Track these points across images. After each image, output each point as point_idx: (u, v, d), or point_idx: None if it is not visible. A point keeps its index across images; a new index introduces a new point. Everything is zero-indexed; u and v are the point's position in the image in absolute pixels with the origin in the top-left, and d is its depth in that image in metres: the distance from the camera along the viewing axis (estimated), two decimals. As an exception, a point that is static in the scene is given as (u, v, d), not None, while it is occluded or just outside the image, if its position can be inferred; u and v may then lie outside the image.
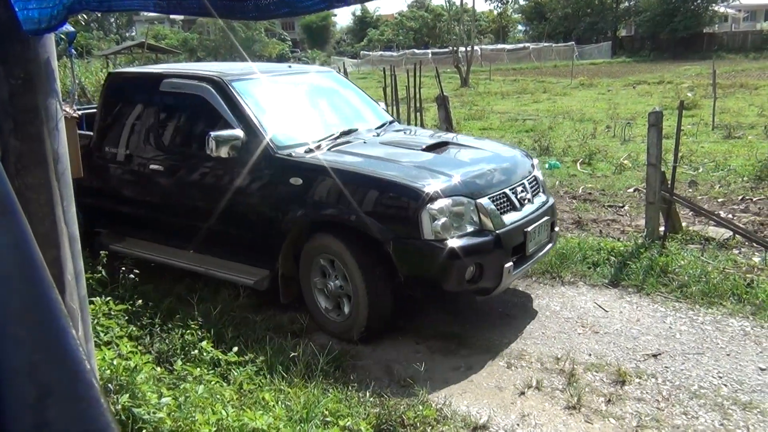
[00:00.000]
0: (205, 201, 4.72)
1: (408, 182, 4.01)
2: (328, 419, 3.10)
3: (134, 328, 3.92)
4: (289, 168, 4.32)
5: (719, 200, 7.42)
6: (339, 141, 4.71)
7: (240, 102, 4.61)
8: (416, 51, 49.38)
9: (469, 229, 4.00)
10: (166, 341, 3.88)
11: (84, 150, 5.04)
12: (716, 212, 6.45)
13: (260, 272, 4.55)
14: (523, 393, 3.61)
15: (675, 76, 25.88)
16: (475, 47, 37.77)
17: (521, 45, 52.00)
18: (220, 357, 3.68)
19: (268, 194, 4.41)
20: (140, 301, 4.37)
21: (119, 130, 5.23)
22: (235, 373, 3.38)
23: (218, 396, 3.10)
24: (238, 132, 4.41)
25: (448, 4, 44.17)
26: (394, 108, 11.78)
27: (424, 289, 4.20)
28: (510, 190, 4.36)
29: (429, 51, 49.27)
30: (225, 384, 3.28)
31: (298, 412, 3.11)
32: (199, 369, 3.30)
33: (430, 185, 3.97)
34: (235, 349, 3.83)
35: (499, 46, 52.39)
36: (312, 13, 1.75)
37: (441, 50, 48.52)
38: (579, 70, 31.79)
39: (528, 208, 4.45)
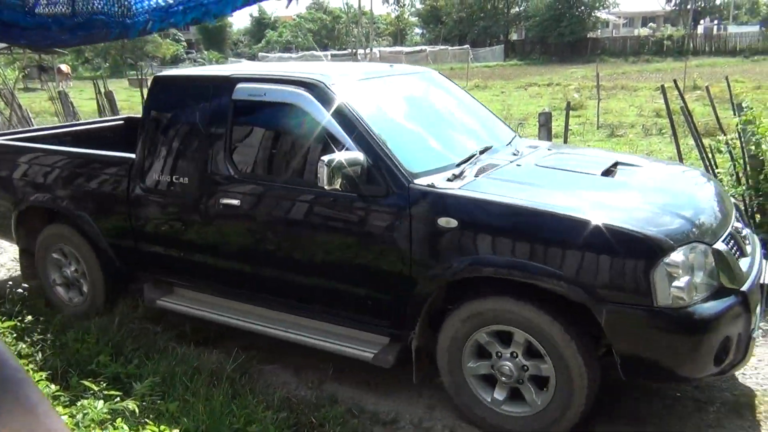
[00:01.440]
0: (302, 247, 3.60)
1: (628, 227, 2.86)
2: (236, 426, 3.07)
3: (24, 345, 3.71)
4: (436, 204, 3.18)
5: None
6: (484, 164, 3.57)
7: (354, 113, 3.43)
8: (315, 53, 49.24)
9: (708, 287, 2.90)
10: (60, 357, 3.70)
11: (122, 177, 4.17)
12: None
13: (376, 339, 3.53)
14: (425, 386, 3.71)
15: (563, 79, 27.19)
16: (374, 49, 38.20)
17: (419, 48, 53.00)
18: (120, 370, 3.56)
19: (401, 240, 3.24)
20: (30, 316, 4.14)
21: (173, 153, 4.00)
22: (137, 386, 3.27)
23: (119, 411, 2.99)
24: (359, 155, 3.24)
25: (346, 7, 44.38)
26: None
27: (649, 373, 3.02)
28: (732, 228, 3.29)
29: (328, 53, 49.27)
30: (126, 398, 3.17)
31: (205, 422, 3.05)
32: (97, 384, 3.17)
33: (660, 230, 2.88)
34: (136, 361, 3.72)
35: (398, 48, 53.14)
36: (71, 47, 1.84)
37: (340, 52, 48.70)
38: (474, 72, 32.80)
39: (748, 250, 3.36)
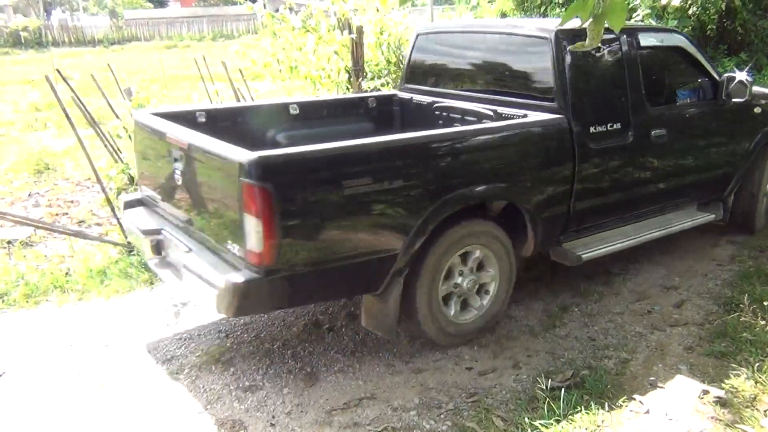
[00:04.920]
0: (699, 150, 4.81)
1: None
2: None
3: None
4: (751, 101, 4.87)
5: (6, 200, 7.19)
6: None
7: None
8: None
9: None
10: None
11: (562, 140, 3.90)
12: (7, 213, 6.24)
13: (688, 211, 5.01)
14: None
15: None
16: None
17: None
18: None
19: (744, 125, 5.02)
20: None
21: (600, 104, 4.15)
22: None
23: None
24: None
25: None
26: None
27: None
28: None
29: None
30: None
31: None
32: None
33: None
34: None
35: None
36: None
37: None
38: None
39: None
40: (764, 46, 11.47)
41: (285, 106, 4.61)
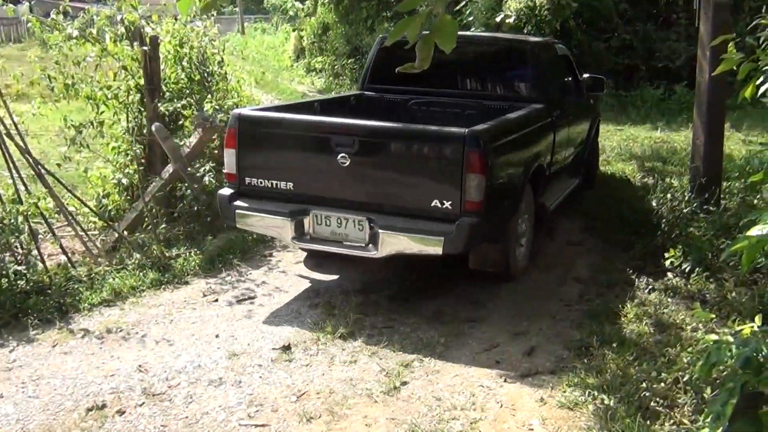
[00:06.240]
0: (580, 129, 6.67)
1: None
2: None
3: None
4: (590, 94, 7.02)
5: None
6: None
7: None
8: None
9: None
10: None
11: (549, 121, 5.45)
12: None
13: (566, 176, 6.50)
14: None
15: None
16: None
17: None
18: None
19: (589, 111, 7.14)
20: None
21: (552, 94, 5.72)
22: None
23: None
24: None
25: None
26: None
27: None
28: None
29: None
30: None
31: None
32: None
33: None
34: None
35: None
36: None
37: None
38: None
39: None
40: (598, 68, 11.72)
41: (312, 104, 5.84)
